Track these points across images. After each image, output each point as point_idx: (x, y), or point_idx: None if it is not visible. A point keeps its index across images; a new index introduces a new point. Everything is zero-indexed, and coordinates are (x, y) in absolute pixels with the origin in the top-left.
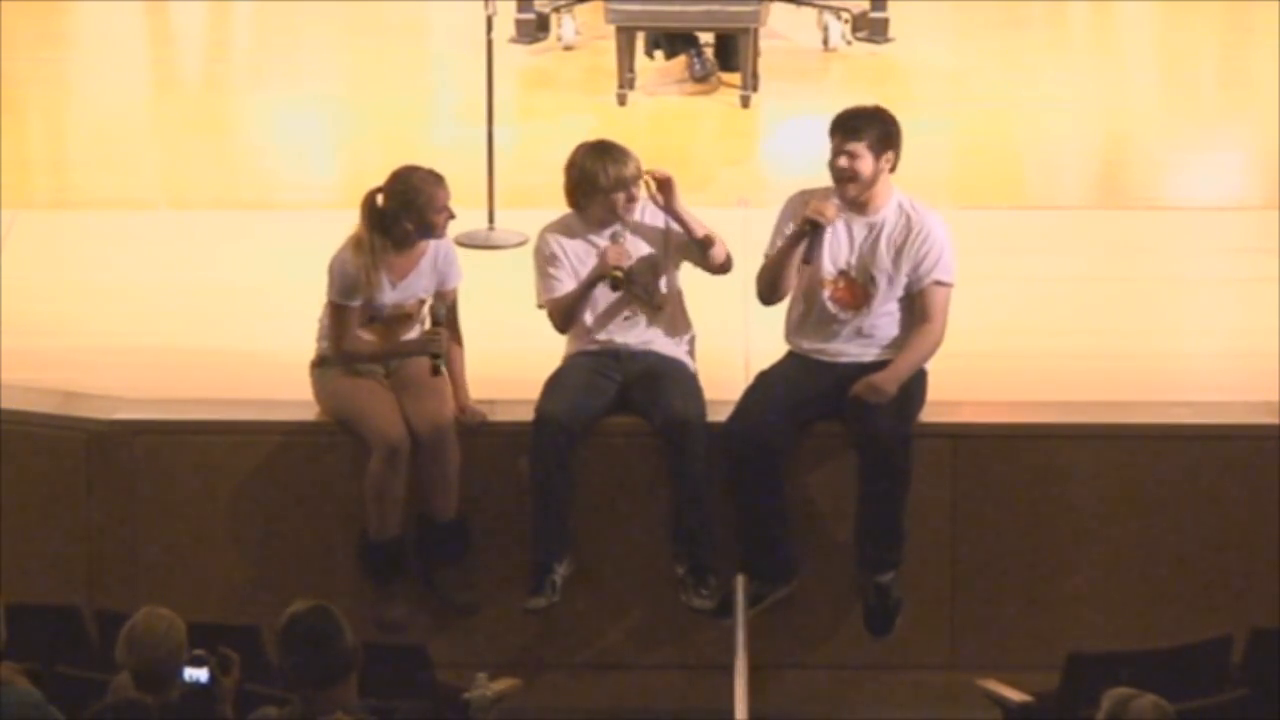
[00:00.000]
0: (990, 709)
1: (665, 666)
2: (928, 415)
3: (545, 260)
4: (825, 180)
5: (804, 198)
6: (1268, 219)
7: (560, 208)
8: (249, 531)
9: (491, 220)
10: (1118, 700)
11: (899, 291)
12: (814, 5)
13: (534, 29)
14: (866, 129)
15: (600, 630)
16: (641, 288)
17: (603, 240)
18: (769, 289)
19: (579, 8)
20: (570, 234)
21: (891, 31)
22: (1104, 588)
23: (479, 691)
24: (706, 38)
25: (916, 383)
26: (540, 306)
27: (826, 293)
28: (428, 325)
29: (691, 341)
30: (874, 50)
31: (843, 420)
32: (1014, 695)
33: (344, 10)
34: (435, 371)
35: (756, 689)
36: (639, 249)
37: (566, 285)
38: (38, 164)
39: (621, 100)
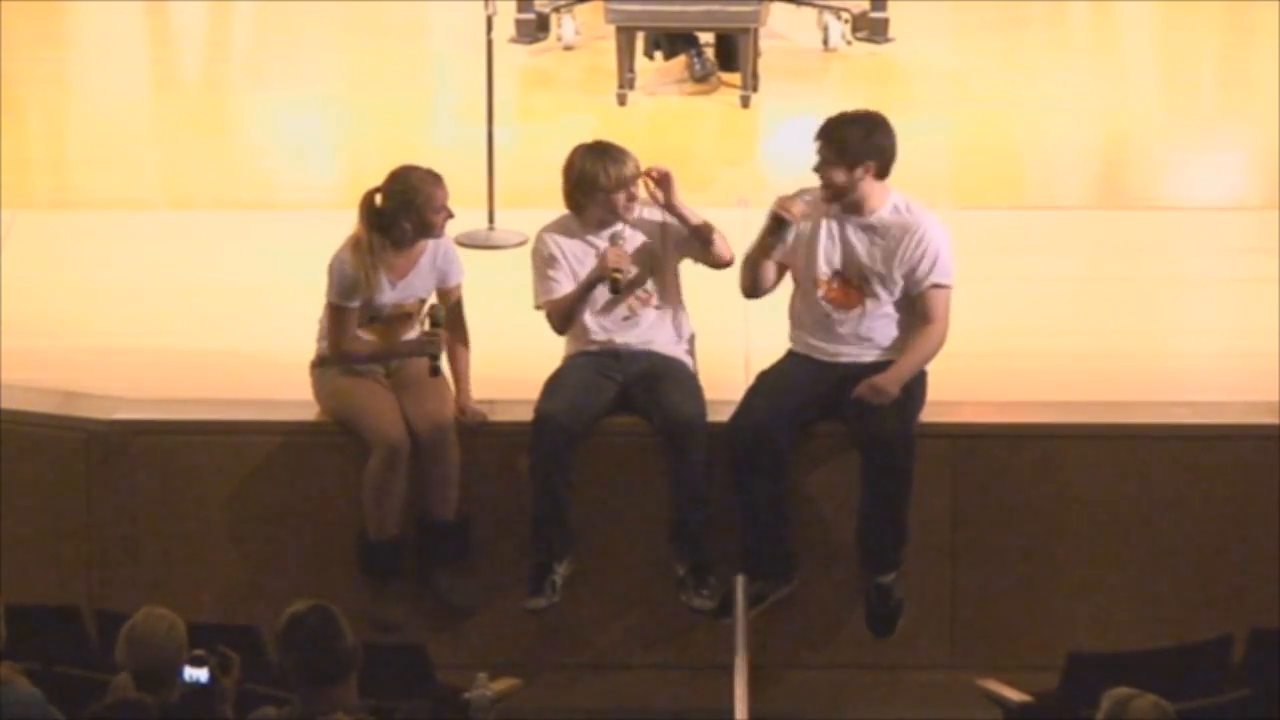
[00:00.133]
0: (990, 709)
1: (665, 666)
2: (928, 415)
3: (544, 262)
4: None
5: (800, 196)
6: (1268, 219)
7: (560, 207)
8: (249, 531)
9: (491, 220)
10: (1118, 700)
11: (895, 293)
12: (814, 5)
13: (534, 29)
14: (839, 139)
15: (600, 630)
16: (641, 288)
17: (601, 241)
18: (749, 282)
19: (579, 8)
20: (569, 235)
21: (891, 31)
22: (1104, 588)
23: (479, 691)
24: (706, 38)
25: (917, 383)
26: (538, 308)
27: (821, 293)
28: (426, 326)
29: (691, 341)
30: (874, 50)
31: (844, 421)
32: (1014, 695)
33: (344, 10)
34: (434, 372)
35: (756, 689)
36: (638, 249)
37: (565, 287)
38: (38, 164)
39: (621, 100)
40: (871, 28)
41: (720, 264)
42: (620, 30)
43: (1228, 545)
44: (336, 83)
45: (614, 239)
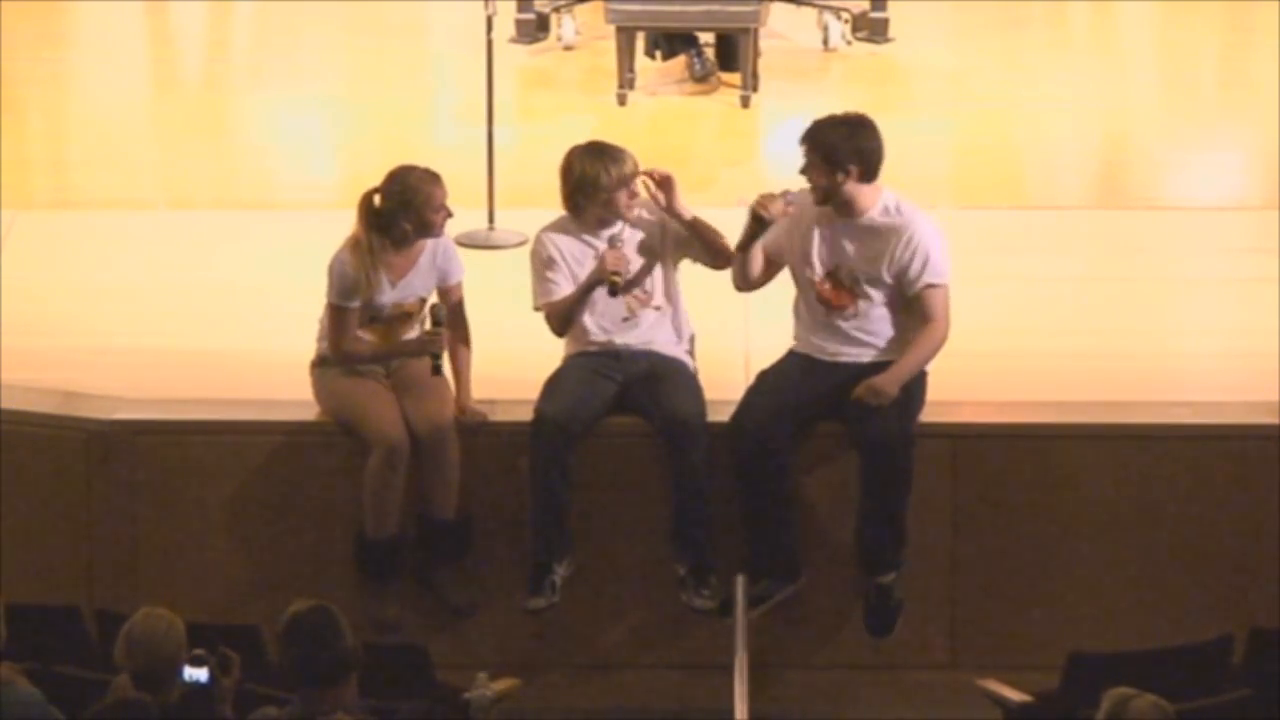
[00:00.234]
0: (990, 709)
1: (665, 666)
2: (928, 415)
3: (543, 263)
4: None
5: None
6: (1268, 219)
7: (561, 208)
8: (249, 531)
9: (491, 220)
10: (1118, 700)
11: (887, 294)
12: (814, 5)
13: (534, 29)
14: (821, 143)
15: (600, 630)
16: (640, 288)
17: (600, 242)
18: (739, 277)
19: (579, 8)
20: (568, 236)
21: (891, 31)
22: (1104, 588)
23: (479, 691)
24: (706, 38)
25: (917, 384)
26: (538, 309)
27: (815, 294)
28: (428, 325)
29: (691, 341)
30: (874, 50)
31: (844, 421)
32: (1014, 695)
33: (344, 10)
34: (436, 371)
35: (756, 689)
36: (637, 249)
37: (564, 288)
38: (38, 164)
39: (621, 100)
40: (871, 28)
41: (720, 264)
42: (620, 30)
43: (1228, 545)
44: (336, 83)
45: (613, 241)
